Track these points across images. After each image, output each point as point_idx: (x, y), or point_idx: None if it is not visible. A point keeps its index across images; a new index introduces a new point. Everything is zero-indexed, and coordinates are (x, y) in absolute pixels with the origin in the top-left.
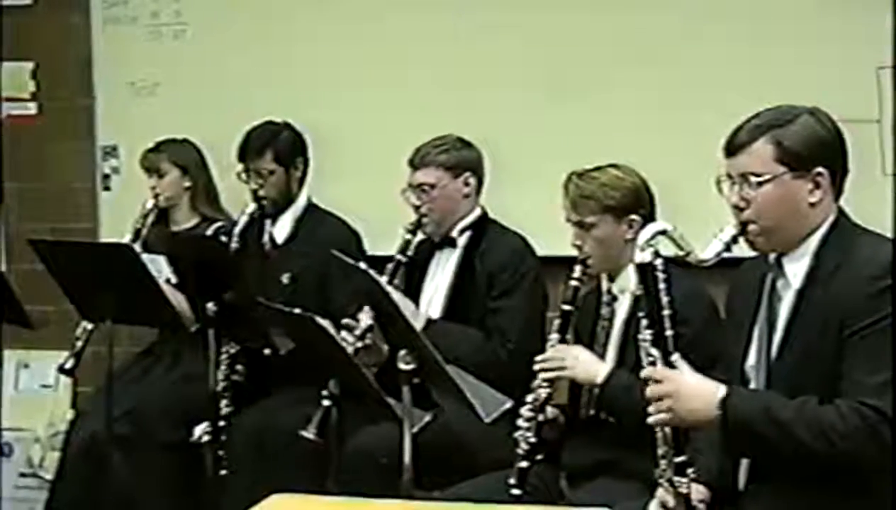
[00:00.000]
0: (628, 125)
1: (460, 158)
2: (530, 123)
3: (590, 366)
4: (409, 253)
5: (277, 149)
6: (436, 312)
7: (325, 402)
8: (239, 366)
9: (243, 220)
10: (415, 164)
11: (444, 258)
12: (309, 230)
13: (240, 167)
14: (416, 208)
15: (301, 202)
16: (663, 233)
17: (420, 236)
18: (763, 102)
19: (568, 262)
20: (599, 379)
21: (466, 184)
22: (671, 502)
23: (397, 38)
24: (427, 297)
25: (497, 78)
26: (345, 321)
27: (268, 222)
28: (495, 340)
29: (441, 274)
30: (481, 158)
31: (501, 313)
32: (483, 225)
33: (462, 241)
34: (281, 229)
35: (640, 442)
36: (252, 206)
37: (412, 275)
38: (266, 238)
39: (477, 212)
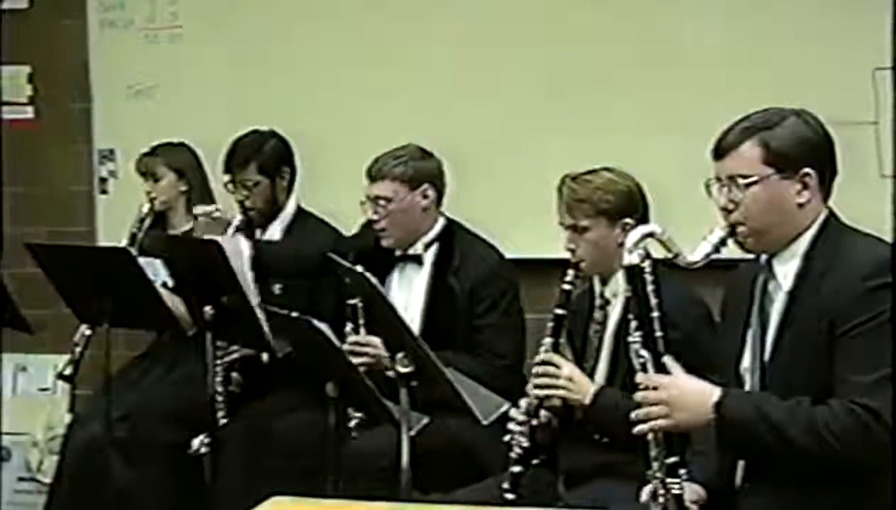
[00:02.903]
0: (623, 126)
1: (417, 170)
2: (522, 126)
3: (580, 387)
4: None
5: (262, 159)
6: None
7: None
8: (235, 374)
9: (231, 230)
10: (372, 175)
11: (409, 276)
12: (299, 238)
13: (226, 178)
14: (374, 222)
15: (289, 210)
16: (651, 235)
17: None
18: (760, 104)
19: (556, 265)
20: (587, 400)
21: (425, 196)
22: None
23: (397, 41)
24: None
25: (489, 80)
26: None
27: (258, 232)
28: (486, 359)
29: (408, 293)
30: (441, 169)
31: (490, 330)
32: (449, 235)
33: (429, 256)
34: (270, 238)
35: (634, 446)
36: (239, 218)
37: None
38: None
39: (440, 223)
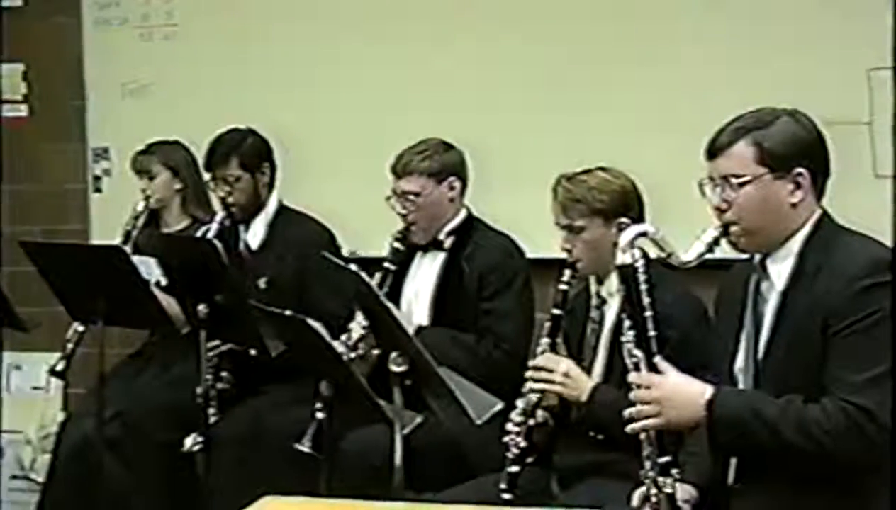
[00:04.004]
0: (620, 126)
1: (443, 163)
2: (519, 125)
3: (577, 384)
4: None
5: (242, 154)
6: (423, 316)
7: (319, 415)
8: (224, 373)
9: (214, 227)
10: (397, 171)
11: (428, 261)
12: (282, 233)
13: (208, 176)
14: (403, 216)
15: (272, 206)
16: (644, 235)
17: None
18: (754, 104)
19: (559, 265)
20: (584, 397)
21: (451, 188)
22: (652, 497)
23: (393, 39)
24: (407, 301)
25: (485, 79)
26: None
27: (241, 229)
28: (488, 342)
29: (423, 277)
30: (464, 160)
31: (494, 315)
32: (469, 226)
33: (448, 243)
34: (254, 235)
35: (631, 444)
36: (221, 214)
37: (393, 279)
38: (241, 245)
39: (462, 214)
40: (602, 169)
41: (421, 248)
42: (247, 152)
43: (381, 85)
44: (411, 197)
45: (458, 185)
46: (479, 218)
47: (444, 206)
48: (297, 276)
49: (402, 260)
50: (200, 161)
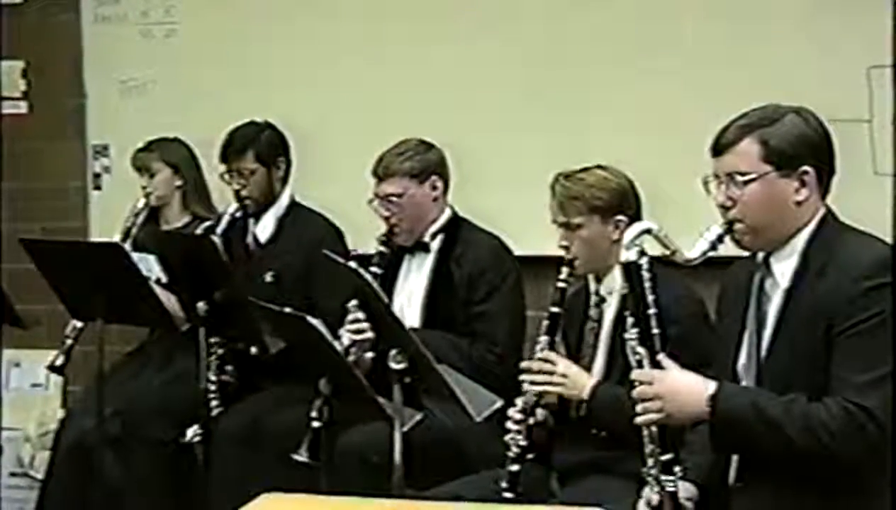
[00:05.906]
0: (617, 124)
1: (424, 163)
2: (514, 123)
3: (576, 382)
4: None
5: (259, 148)
6: (414, 320)
7: (315, 424)
8: (228, 367)
9: (225, 219)
10: (379, 174)
11: (416, 263)
12: (291, 228)
13: (222, 168)
14: (386, 219)
15: (284, 201)
16: (648, 232)
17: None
18: (754, 102)
19: (554, 262)
20: (585, 394)
21: (434, 187)
22: (655, 500)
23: (393, 38)
24: (399, 304)
25: (481, 78)
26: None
27: (251, 222)
28: (482, 345)
29: (414, 280)
30: (444, 158)
31: (486, 317)
32: (455, 226)
33: (435, 244)
34: (264, 228)
35: (631, 441)
36: (234, 206)
37: (382, 282)
38: (250, 238)
39: (447, 213)
40: (600, 167)
41: (408, 250)
42: (263, 145)
43: (380, 84)
44: (394, 199)
45: (440, 184)
46: (464, 217)
47: (428, 207)
48: (304, 272)
49: (388, 263)
50: (202, 158)
